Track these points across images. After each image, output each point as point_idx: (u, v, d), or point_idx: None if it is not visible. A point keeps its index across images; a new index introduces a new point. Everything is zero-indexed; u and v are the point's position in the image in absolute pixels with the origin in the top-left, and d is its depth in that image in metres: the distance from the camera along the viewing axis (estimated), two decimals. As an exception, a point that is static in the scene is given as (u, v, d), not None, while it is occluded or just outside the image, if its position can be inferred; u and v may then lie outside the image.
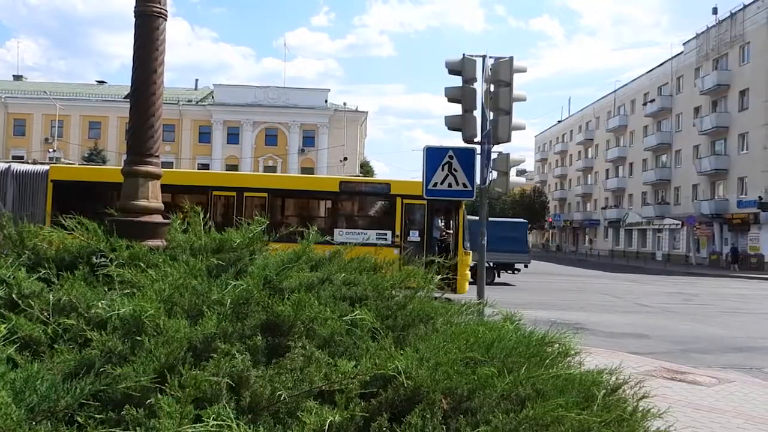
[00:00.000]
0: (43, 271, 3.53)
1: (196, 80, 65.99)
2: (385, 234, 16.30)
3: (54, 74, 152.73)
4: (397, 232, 16.26)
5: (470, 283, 15.74)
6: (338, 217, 17.12)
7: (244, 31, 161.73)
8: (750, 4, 46.14)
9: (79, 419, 2.37)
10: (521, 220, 30.54)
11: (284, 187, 17.60)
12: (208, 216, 16.00)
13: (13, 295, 3.17)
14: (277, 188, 17.16)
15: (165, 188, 17.83)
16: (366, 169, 59.72)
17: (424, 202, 16.12)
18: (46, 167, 16.71)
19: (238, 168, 56.94)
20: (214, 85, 61.08)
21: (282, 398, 2.56)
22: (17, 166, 16.63)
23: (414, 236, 16.31)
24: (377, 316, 3.38)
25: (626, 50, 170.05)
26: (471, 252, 16.52)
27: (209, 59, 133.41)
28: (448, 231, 17.24)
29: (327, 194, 17.13)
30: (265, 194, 16.54)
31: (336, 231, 16.20)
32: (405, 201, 16.38)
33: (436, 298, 4.21)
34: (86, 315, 2.99)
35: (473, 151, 9.16)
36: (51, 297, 3.14)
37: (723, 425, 6.06)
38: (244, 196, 16.51)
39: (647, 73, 62.58)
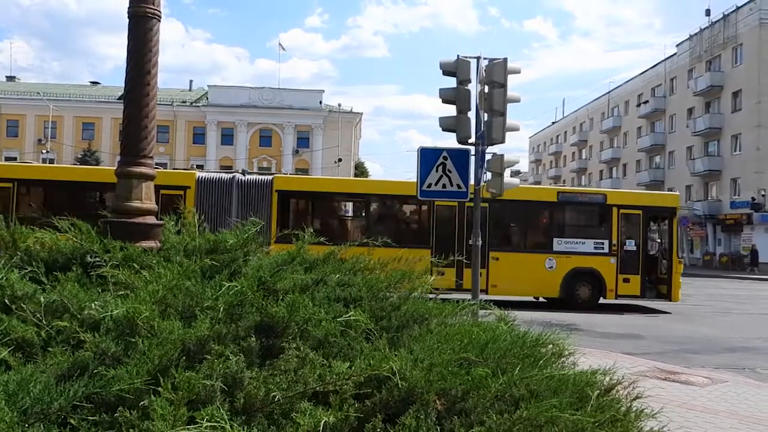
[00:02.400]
0: (33, 271, 3.52)
1: (191, 81, 66.31)
2: (603, 243, 16.67)
3: (47, 75, 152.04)
4: (614, 242, 16.65)
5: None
6: (556, 227, 17.29)
7: (238, 31, 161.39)
8: (743, 5, 46.36)
9: (72, 421, 2.36)
10: None
11: (505, 197, 17.71)
12: (430, 227, 16.18)
13: (6, 298, 3.16)
14: (497, 198, 17.27)
15: (392, 199, 17.79)
16: (360, 170, 59.71)
17: (640, 212, 16.82)
18: (270, 177, 16.93)
19: (233, 169, 56.74)
20: (208, 86, 60.98)
21: (276, 399, 2.56)
22: (242, 177, 16.73)
23: (630, 245, 16.76)
24: (371, 317, 3.38)
25: (619, 52, 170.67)
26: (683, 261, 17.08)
27: (203, 60, 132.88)
28: (656, 240, 17.65)
29: (545, 204, 17.39)
30: (486, 204, 16.41)
31: (555, 240, 16.68)
32: (621, 211, 16.86)
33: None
34: (79, 316, 2.98)
35: (467, 152, 9.17)
36: (44, 299, 3.12)
37: (716, 425, 6.08)
38: (465, 206, 16.58)
39: (641, 74, 62.79)
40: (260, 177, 16.98)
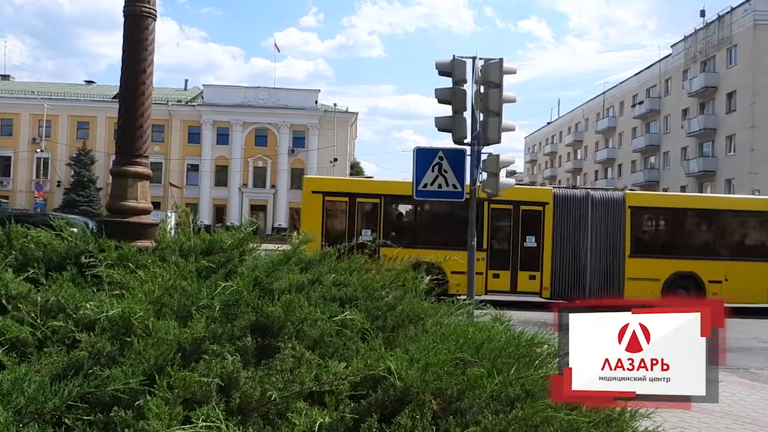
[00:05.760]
0: (32, 272, 3.50)
1: (186, 80, 65.72)
2: None
3: (42, 74, 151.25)
4: None
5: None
6: None
7: (233, 30, 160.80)
8: (737, 6, 46.53)
9: (66, 421, 2.35)
10: None
11: None
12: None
13: (1, 297, 3.15)
14: None
15: (740, 213, 18.14)
16: (356, 170, 59.69)
17: None
18: (621, 194, 17.26)
19: (229, 169, 56.68)
20: (203, 85, 60.88)
21: (272, 399, 2.56)
22: (596, 194, 17.05)
23: None
24: (367, 317, 3.38)
25: (614, 52, 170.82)
26: None
27: (198, 59, 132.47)
28: None
29: None
30: None
31: None
32: None
33: None
34: (74, 316, 2.97)
35: (463, 152, 9.17)
36: (39, 298, 3.11)
37: (710, 425, 6.10)
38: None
39: (635, 75, 62.93)
40: (611, 193, 17.48)
